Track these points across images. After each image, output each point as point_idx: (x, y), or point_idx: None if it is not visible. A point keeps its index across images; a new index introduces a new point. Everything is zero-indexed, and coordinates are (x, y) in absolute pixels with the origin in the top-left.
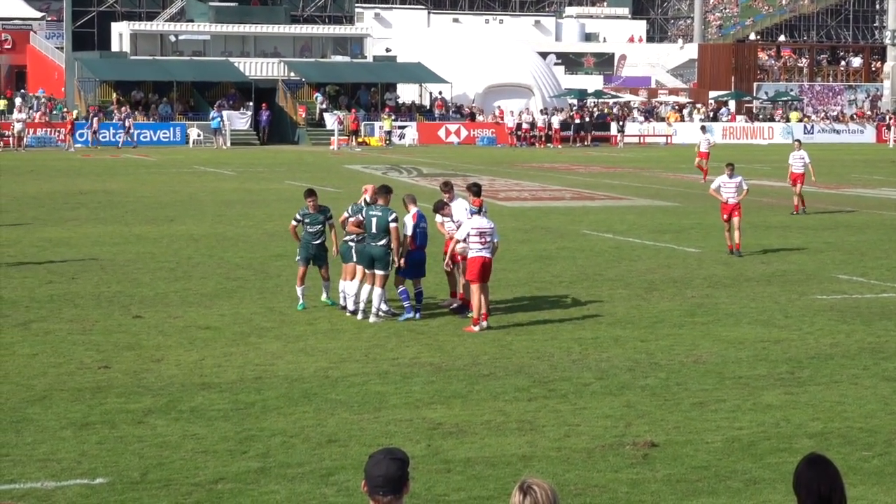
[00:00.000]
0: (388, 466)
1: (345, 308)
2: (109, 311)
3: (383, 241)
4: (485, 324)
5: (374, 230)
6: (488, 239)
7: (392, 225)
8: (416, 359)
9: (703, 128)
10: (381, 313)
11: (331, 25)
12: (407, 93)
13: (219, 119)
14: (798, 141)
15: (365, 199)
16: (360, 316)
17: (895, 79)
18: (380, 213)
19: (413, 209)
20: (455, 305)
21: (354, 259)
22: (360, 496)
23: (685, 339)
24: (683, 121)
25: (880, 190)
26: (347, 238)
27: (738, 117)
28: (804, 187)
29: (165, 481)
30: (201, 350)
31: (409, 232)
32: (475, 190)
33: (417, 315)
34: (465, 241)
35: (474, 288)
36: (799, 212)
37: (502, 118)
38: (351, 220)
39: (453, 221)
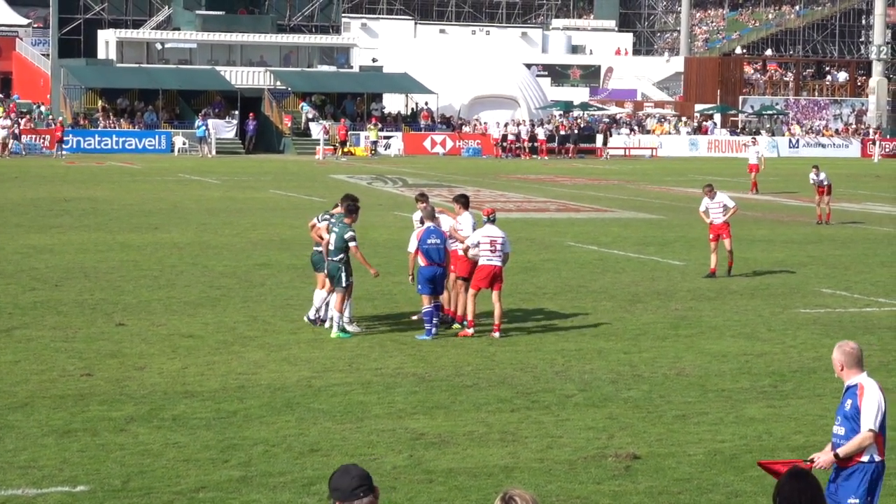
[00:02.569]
0: (354, 470)
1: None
2: (93, 318)
3: (338, 257)
4: (497, 334)
5: (331, 245)
6: (499, 247)
7: (351, 244)
8: (400, 369)
9: (753, 139)
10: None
11: (317, 35)
12: (393, 103)
13: (204, 127)
14: (816, 167)
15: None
16: (327, 325)
17: (880, 94)
18: (337, 230)
19: (427, 224)
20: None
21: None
22: None
23: (668, 352)
24: (669, 133)
25: (864, 204)
26: (318, 248)
27: (721, 130)
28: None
29: (147, 489)
30: (184, 358)
31: (412, 248)
32: (463, 201)
33: (429, 336)
34: (476, 247)
35: (471, 294)
36: (821, 221)
37: (486, 130)
38: (320, 225)
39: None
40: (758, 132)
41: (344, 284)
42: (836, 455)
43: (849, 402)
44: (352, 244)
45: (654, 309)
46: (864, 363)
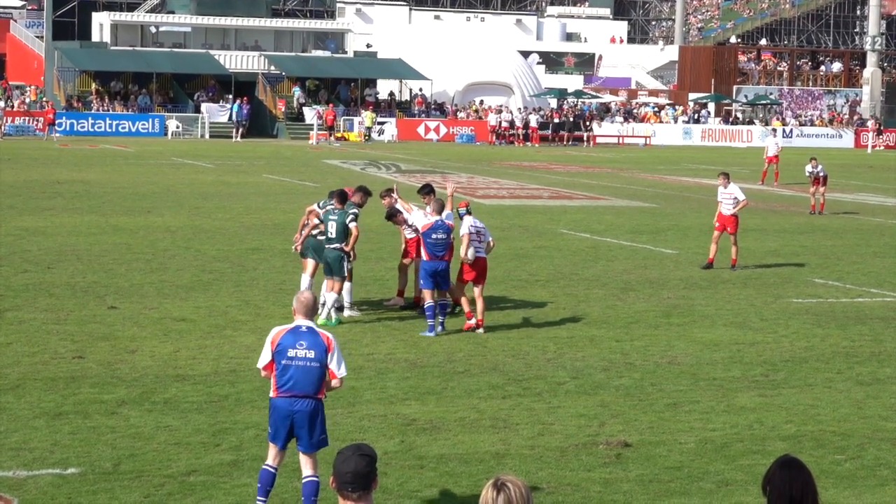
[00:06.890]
0: (356, 463)
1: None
2: (84, 301)
3: (338, 245)
4: (480, 330)
5: (332, 234)
6: (483, 238)
7: (351, 225)
8: (392, 355)
9: (773, 131)
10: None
11: (312, 20)
12: (387, 89)
13: (238, 106)
14: (814, 158)
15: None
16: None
17: (874, 84)
18: (337, 217)
19: (435, 218)
20: (400, 304)
21: (311, 255)
22: (332, 491)
23: (660, 340)
24: (663, 122)
25: (857, 195)
26: (315, 232)
27: (715, 119)
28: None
29: (138, 472)
30: (176, 342)
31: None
32: (426, 191)
33: (432, 333)
34: (471, 244)
35: (461, 287)
36: (815, 211)
37: (485, 116)
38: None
39: (409, 226)
40: (751, 122)
41: (345, 273)
42: None
43: None
44: (351, 224)
45: (647, 297)
46: (312, 313)
